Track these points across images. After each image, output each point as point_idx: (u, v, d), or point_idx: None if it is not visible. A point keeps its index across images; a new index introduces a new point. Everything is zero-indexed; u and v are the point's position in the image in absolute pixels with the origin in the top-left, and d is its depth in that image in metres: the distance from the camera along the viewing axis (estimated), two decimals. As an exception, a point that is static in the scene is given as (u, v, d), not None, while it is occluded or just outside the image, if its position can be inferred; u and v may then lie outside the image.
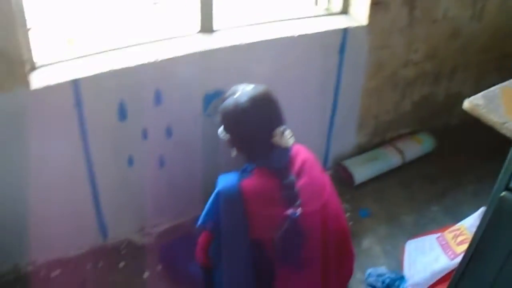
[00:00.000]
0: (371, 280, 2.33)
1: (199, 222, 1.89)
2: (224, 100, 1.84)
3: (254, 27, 2.51)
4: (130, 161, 2.41)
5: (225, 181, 1.80)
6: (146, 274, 2.42)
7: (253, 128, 1.79)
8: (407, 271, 2.36)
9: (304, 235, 1.77)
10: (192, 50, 2.29)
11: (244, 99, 1.77)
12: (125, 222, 2.60)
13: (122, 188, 2.48)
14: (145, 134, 2.37)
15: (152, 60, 2.20)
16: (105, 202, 2.46)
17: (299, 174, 1.82)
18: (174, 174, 2.56)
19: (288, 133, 1.82)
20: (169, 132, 2.42)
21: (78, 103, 2.14)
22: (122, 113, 2.26)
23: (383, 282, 2.31)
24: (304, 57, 2.57)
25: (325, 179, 1.91)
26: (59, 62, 2.18)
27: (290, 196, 1.77)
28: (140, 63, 2.19)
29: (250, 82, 2.45)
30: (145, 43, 2.32)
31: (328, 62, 2.67)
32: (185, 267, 2.29)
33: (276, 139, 1.78)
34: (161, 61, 2.22)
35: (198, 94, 2.40)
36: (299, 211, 1.74)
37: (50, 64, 2.16)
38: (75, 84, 2.09)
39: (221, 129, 1.88)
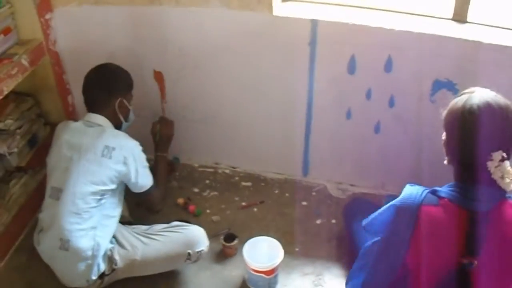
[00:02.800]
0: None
1: (365, 223, 1.76)
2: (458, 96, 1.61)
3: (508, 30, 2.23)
4: (349, 115, 2.50)
5: (407, 196, 1.58)
6: (319, 221, 2.53)
7: (470, 136, 1.49)
8: None
9: None
10: (432, 32, 2.17)
11: (476, 101, 1.49)
12: (327, 169, 2.73)
13: (333, 136, 2.59)
14: (369, 95, 2.41)
15: (390, 27, 2.20)
16: (314, 143, 2.64)
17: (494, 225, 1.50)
18: (385, 144, 2.54)
19: (508, 168, 1.48)
20: (391, 102, 2.40)
21: (313, 42, 2.31)
22: (352, 67, 2.34)
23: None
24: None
25: None
26: (306, 2, 2.42)
27: (473, 243, 1.50)
28: (378, 25, 2.22)
29: (484, 86, 2.21)
30: (391, 10, 2.35)
31: None
32: (358, 233, 2.28)
33: (491, 164, 1.47)
34: (399, 31, 2.19)
35: (428, 77, 2.27)
36: (476, 263, 1.50)
37: (299, 1, 2.42)
38: (314, 23, 2.26)
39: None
